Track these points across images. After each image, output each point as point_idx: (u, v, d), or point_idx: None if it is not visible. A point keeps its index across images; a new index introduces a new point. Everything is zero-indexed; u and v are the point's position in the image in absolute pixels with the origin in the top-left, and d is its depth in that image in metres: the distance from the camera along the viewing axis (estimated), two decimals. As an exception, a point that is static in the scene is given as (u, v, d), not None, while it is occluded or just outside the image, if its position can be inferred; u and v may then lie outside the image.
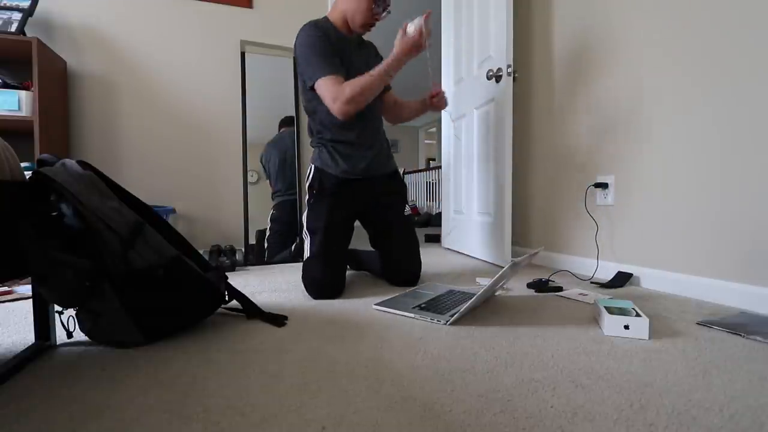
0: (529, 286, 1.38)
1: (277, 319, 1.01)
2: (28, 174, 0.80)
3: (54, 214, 0.83)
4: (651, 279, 1.39)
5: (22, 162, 0.85)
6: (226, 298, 1.08)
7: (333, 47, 1.32)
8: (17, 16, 1.71)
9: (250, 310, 1.07)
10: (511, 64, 1.74)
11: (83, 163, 0.91)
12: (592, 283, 1.48)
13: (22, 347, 0.85)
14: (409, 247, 1.48)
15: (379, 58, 1.52)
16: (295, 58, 2.32)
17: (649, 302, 1.20)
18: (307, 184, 1.44)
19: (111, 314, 0.83)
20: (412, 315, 1.05)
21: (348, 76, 1.30)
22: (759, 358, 0.77)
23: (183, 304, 0.93)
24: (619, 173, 1.52)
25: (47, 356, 0.81)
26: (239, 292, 1.10)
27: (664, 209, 1.36)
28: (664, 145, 1.35)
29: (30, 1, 1.75)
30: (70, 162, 0.89)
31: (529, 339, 0.88)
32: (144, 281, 0.83)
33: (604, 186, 1.57)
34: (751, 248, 1.12)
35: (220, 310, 1.11)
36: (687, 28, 1.27)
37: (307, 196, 1.44)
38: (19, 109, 1.65)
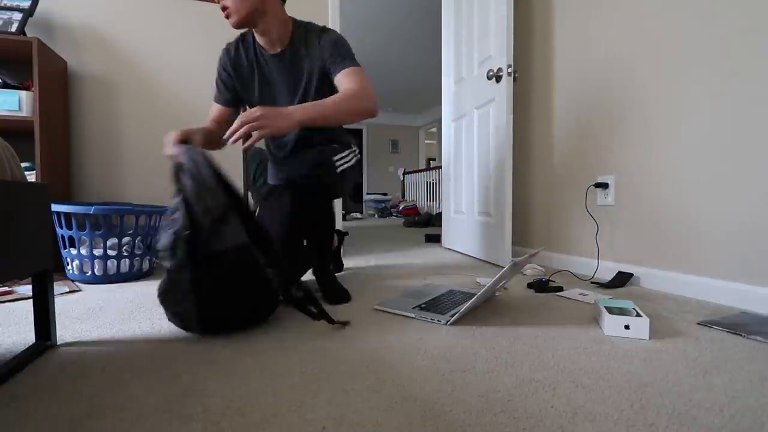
0: (529, 286, 1.38)
1: (342, 323, 0.98)
2: (28, 174, 0.80)
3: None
4: (651, 279, 1.39)
5: (22, 162, 0.85)
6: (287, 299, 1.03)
7: (237, 71, 1.31)
8: (17, 16, 1.71)
9: (318, 314, 0.99)
10: (512, 64, 1.74)
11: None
12: (592, 283, 1.48)
13: (22, 347, 0.85)
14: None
15: (314, 58, 1.22)
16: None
17: (650, 302, 1.20)
18: None
19: (180, 284, 0.88)
20: (412, 315, 1.05)
21: (268, 96, 1.31)
22: (759, 358, 0.77)
23: (243, 294, 0.93)
24: (619, 173, 1.52)
25: (47, 356, 0.81)
26: (311, 294, 1.03)
27: (664, 209, 1.35)
28: (665, 145, 1.35)
29: (30, 1, 1.75)
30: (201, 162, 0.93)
31: (530, 339, 0.88)
32: (214, 264, 0.88)
33: (604, 186, 1.57)
34: (751, 248, 1.12)
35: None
36: (688, 29, 1.27)
37: None
38: (20, 109, 1.64)
